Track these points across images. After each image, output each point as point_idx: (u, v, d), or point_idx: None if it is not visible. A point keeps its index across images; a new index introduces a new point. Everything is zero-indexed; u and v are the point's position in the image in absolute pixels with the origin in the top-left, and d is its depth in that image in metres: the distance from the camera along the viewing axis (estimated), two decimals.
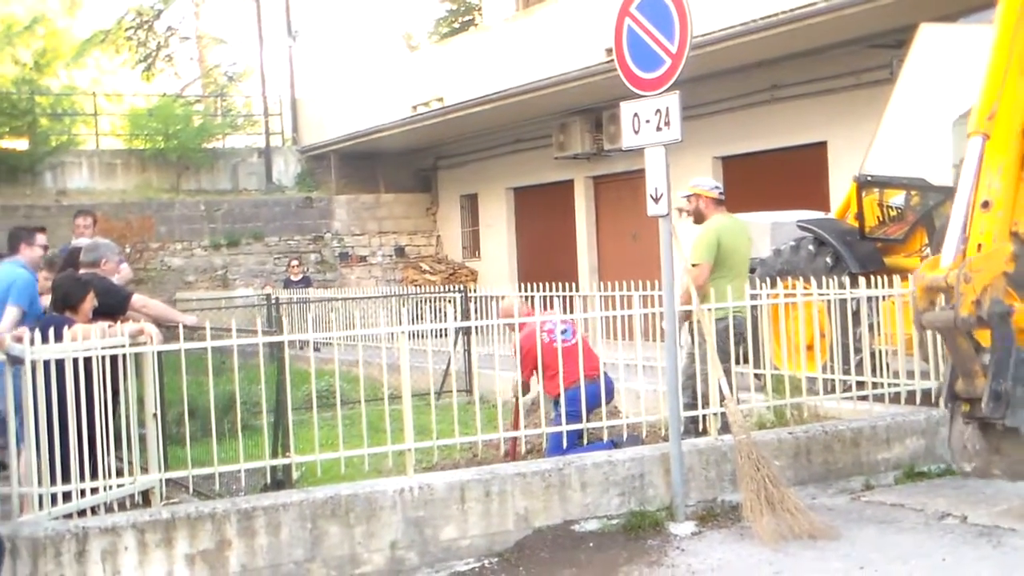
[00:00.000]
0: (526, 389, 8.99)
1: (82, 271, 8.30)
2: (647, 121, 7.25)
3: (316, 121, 25.32)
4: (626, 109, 7.42)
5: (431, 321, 7.72)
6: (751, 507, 6.92)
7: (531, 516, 7.02)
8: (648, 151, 7.29)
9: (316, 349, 9.09)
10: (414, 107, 20.72)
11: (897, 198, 10.15)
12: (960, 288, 5.39)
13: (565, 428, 7.91)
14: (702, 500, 7.42)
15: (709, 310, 7.98)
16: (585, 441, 8.38)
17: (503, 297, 9.96)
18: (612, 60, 7.64)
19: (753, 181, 15.68)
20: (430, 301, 15.06)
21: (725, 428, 7.70)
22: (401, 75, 22.31)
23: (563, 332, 8.59)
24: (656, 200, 7.27)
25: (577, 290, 10.34)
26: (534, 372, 8.54)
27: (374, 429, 7.57)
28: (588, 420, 8.04)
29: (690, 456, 7.44)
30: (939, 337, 7.08)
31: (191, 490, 7.17)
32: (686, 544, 6.79)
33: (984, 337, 5.88)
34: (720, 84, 15.35)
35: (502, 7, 21.83)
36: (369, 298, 17.03)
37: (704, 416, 7.95)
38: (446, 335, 12.47)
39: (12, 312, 7.92)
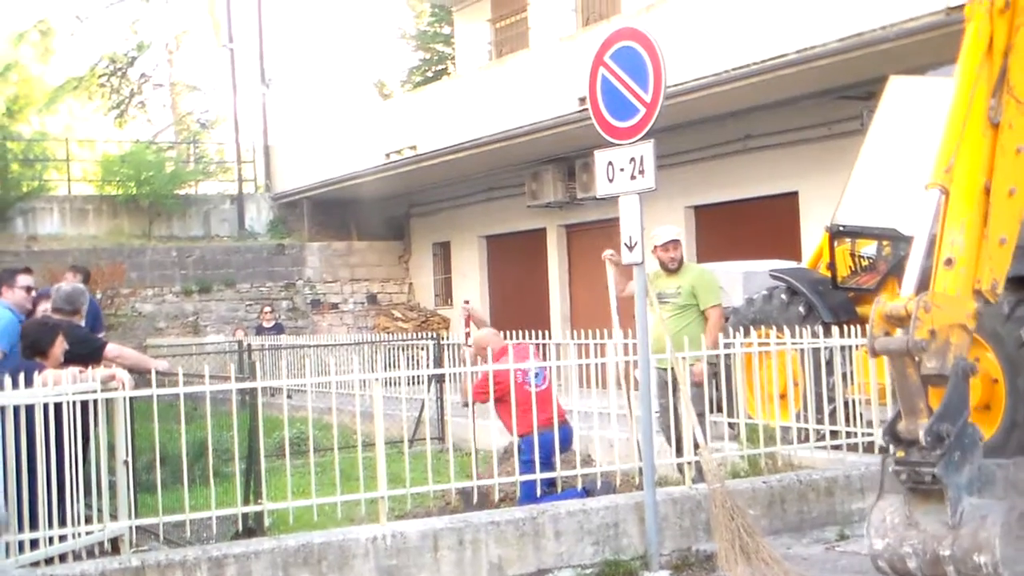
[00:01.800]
0: (467, 403, 8.95)
1: (58, 318, 8.24)
2: (621, 169, 7.28)
3: (289, 168, 25.33)
4: (600, 157, 7.45)
5: (405, 368, 7.66)
6: (726, 556, 6.90)
7: (505, 565, 6.97)
8: (622, 199, 7.32)
9: (288, 396, 9.05)
10: (387, 155, 20.77)
11: (869, 248, 10.22)
12: (918, 314, 5.38)
13: (539, 476, 7.88)
14: (676, 549, 7.39)
15: (683, 357, 8.00)
16: (559, 489, 8.34)
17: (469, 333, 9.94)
18: (585, 109, 7.70)
19: (725, 230, 15.78)
20: (403, 348, 15.02)
21: (700, 476, 7.69)
22: (374, 123, 22.37)
23: (535, 376, 8.58)
24: (631, 248, 7.30)
25: (550, 338, 10.33)
26: (485, 400, 8.43)
27: (347, 477, 7.52)
28: (554, 466, 8.03)
29: (664, 505, 7.42)
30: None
31: (161, 538, 7.08)
32: None
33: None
34: (693, 133, 15.48)
35: (475, 56, 21.99)
36: (341, 345, 16.97)
37: (679, 464, 7.95)
38: (419, 383, 12.43)
39: None
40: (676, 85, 12.03)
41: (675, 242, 9.02)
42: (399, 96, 29.89)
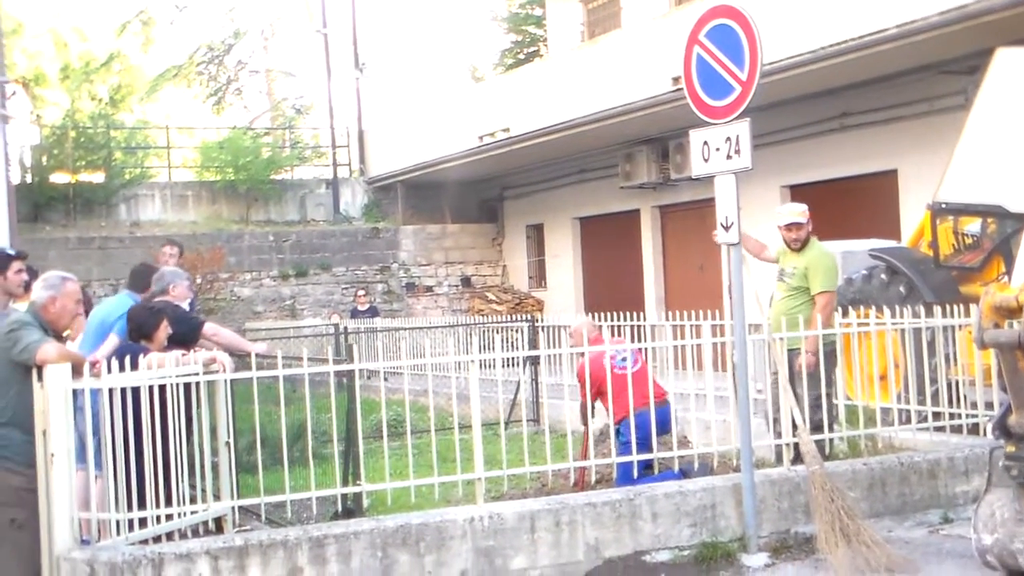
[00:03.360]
0: (590, 413, 8.94)
1: (155, 300, 8.42)
2: (717, 149, 7.21)
3: (383, 152, 25.52)
4: (695, 137, 7.38)
5: (500, 350, 7.68)
6: (826, 539, 6.81)
7: (601, 546, 6.96)
8: (718, 179, 7.25)
9: (384, 379, 9.12)
10: (480, 137, 20.82)
11: (973, 225, 10.00)
12: None
13: (635, 458, 7.84)
14: (775, 531, 7.32)
15: (781, 339, 7.90)
16: (656, 470, 8.31)
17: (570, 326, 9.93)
18: (679, 89, 7.65)
19: (822, 209, 15.48)
20: (498, 330, 15.06)
21: (798, 459, 7.60)
22: (467, 106, 22.44)
23: (623, 360, 8.55)
24: (727, 228, 7.23)
25: (644, 319, 10.28)
26: (597, 397, 8.50)
27: (443, 458, 7.58)
28: (651, 447, 7.99)
29: (762, 487, 7.34)
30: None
31: (263, 518, 7.20)
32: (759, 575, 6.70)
33: None
34: (789, 112, 15.25)
35: (567, 37, 21.91)
36: (436, 328, 17.07)
37: (777, 446, 7.87)
38: (513, 364, 12.47)
39: (113, 341, 8.03)
40: (772, 63, 11.82)
41: (797, 224, 8.78)
42: (491, 79, 29.92)
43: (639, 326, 10.62)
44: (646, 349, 8.66)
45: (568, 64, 19.25)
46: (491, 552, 6.73)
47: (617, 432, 8.28)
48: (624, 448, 8.10)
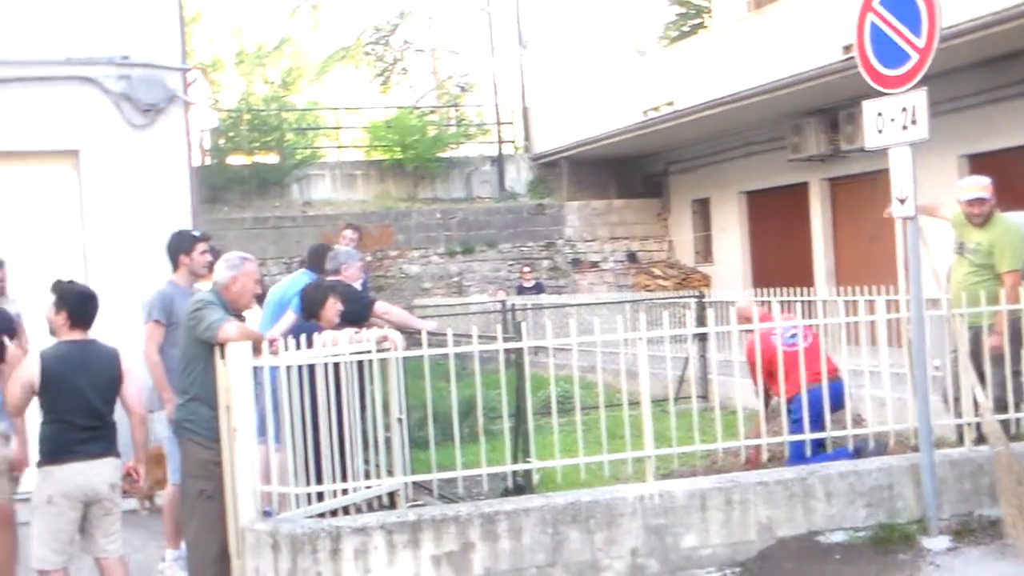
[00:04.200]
0: (766, 395, 8.81)
1: (328, 279, 8.63)
2: (892, 120, 7.01)
3: (547, 128, 25.57)
4: (869, 108, 7.18)
5: (668, 326, 7.61)
6: (1013, 523, 6.59)
7: (774, 525, 6.88)
8: (893, 151, 7.04)
9: (549, 354, 9.16)
10: (644, 112, 20.65)
11: None
12: None
13: (808, 436, 7.68)
14: (956, 514, 7.10)
15: (962, 315, 7.64)
16: (828, 449, 8.13)
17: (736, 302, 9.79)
18: (851, 58, 7.44)
19: (1004, 179, 14.91)
20: (667, 306, 14.95)
21: (980, 440, 7.35)
22: (631, 80, 22.29)
23: (792, 336, 8.39)
24: (902, 201, 7.02)
25: (815, 294, 10.06)
26: (768, 376, 8.37)
27: (611, 435, 7.57)
28: (824, 425, 7.83)
29: (942, 467, 7.13)
30: None
31: (435, 493, 7.32)
32: (941, 560, 6.51)
33: None
34: (967, 78, 14.67)
35: (733, 8, 21.52)
36: (602, 304, 17.05)
37: (958, 426, 7.63)
38: (681, 341, 12.36)
39: (289, 318, 8.29)
40: (949, 28, 11.42)
41: (980, 200, 8.45)
42: (655, 52, 29.64)
43: (809, 301, 10.41)
44: (817, 325, 8.46)
45: (734, 35, 18.92)
46: (661, 530, 6.71)
47: (788, 410, 8.14)
48: (796, 426, 7.95)
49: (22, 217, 10.86)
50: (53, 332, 6.51)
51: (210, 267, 7.60)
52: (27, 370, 6.32)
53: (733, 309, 8.87)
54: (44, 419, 6.37)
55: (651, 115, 20.39)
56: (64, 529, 6.28)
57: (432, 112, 30.87)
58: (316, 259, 9.33)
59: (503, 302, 17.95)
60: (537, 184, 25.53)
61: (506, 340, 7.43)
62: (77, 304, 6.47)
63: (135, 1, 11.18)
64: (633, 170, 24.66)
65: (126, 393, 6.60)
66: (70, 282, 6.58)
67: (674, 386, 11.56)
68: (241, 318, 6.87)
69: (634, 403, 7.43)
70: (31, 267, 9.53)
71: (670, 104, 19.74)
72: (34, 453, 6.49)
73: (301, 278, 9.02)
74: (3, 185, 10.96)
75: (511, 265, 23.37)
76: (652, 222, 24.60)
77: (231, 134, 24.24)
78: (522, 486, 7.57)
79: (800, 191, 19.80)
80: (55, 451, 6.28)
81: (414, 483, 7.33)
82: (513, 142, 26.97)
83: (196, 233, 8.30)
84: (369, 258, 18.97)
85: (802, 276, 17.94)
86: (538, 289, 21.23)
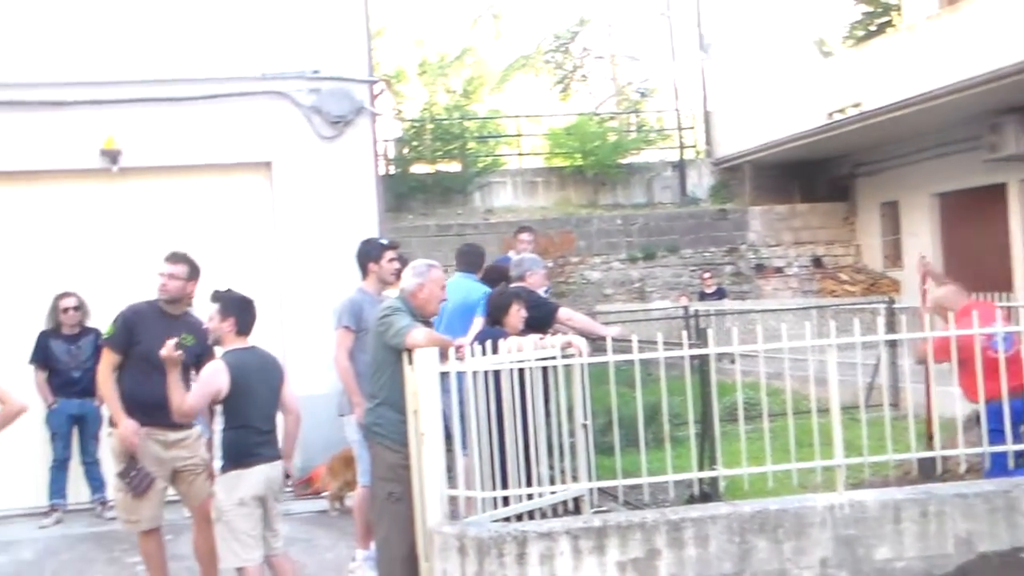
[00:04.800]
0: (920, 360, 8.44)
1: (512, 285, 8.71)
2: None
3: (729, 132, 25.26)
4: None
5: (858, 333, 7.40)
6: None
7: (974, 540, 6.60)
8: None
9: (731, 362, 9.03)
10: (829, 114, 20.19)
11: None
12: None
13: (1012, 448, 7.36)
14: None
15: None
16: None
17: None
18: None
19: None
20: (855, 312, 14.57)
21: None
22: (815, 82, 21.84)
23: (996, 342, 8.02)
24: None
25: (1015, 300, 9.66)
26: (946, 359, 7.98)
27: (799, 443, 7.41)
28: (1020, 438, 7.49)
29: None
30: None
31: (620, 499, 7.30)
32: None
33: None
34: None
35: (924, 5, 20.86)
36: (788, 309, 16.73)
37: None
38: (870, 347, 12.01)
39: (478, 324, 8.42)
40: None
41: None
42: (841, 53, 28.95)
43: (1008, 308, 10.00)
44: (1021, 333, 8.08)
45: (926, 32, 18.32)
46: (852, 541, 6.54)
47: (987, 418, 7.80)
48: (996, 436, 7.62)
49: (218, 227, 11.32)
50: (218, 341, 6.70)
51: (398, 274, 7.76)
52: (216, 377, 6.49)
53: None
54: (227, 425, 6.57)
55: (836, 117, 19.92)
56: (255, 527, 6.49)
57: (612, 118, 30.84)
58: (470, 260, 9.46)
59: (686, 308, 17.79)
60: (719, 189, 25.24)
61: (692, 346, 7.35)
62: (243, 311, 6.68)
63: (325, 17, 11.54)
64: (818, 173, 24.13)
65: (287, 394, 6.80)
66: (228, 290, 6.75)
67: (865, 394, 11.23)
68: (429, 324, 6.99)
69: (822, 410, 7.26)
70: (226, 276, 9.89)
71: (856, 106, 19.24)
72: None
73: (461, 282, 9.12)
74: (201, 196, 11.44)
75: (693, 271, 23.15)
76: (838, 226, 24.01)
77: (414, 143, 24.72)
78: (708, 494, 7.48)
79: (997, 192, 19.06)
80: (242, 455, 6.48)
81: (599, 489, 7.33)
82: (694, 147, 26.73)
83: (384, 241, 8.49)
84: (550, 264, 19.06)
85: (1000, 281, 17.25)
86: (720, 295, 20.98)
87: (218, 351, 6.82)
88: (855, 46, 27.16)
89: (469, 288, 9.18)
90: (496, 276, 9.06)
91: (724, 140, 25.53)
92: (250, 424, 6.52)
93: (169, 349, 6.46)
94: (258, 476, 6.50)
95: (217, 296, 6.68)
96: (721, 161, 25.38)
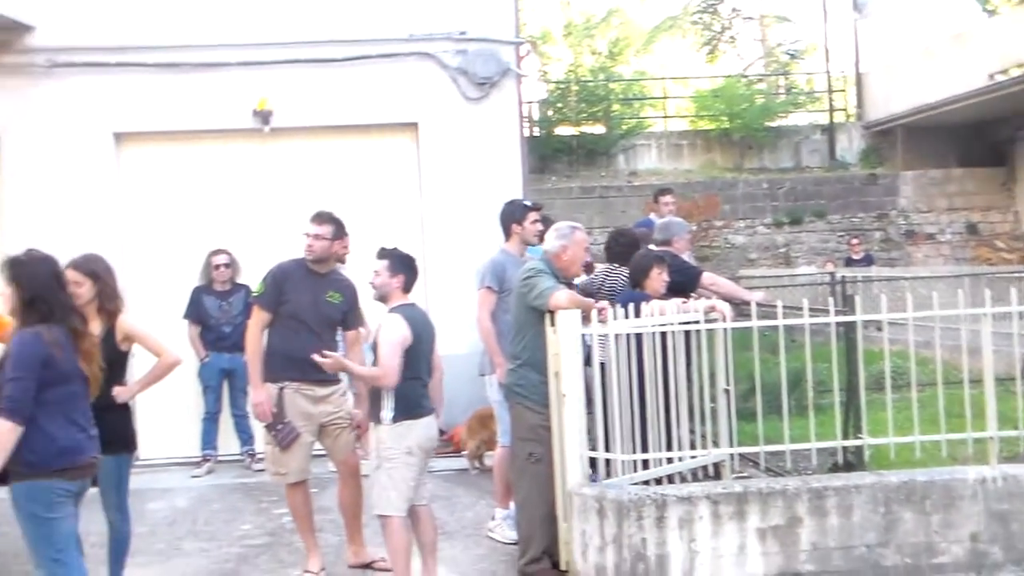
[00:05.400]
0: None
1: (656, 248, 8.64)
2: None
3: (882, 95, 24.55)
4: None
5: (1016, 302, 7.15)
6: None
7: None
8: None
9: (877, 329, 8.80)
10: (990, 75, 19.47)
11: None
12: None
13: None
14: None
15: None
16: None
17: None
18: None
19: None
20: (1012, 281, 14.07)
21: None
22: (976, 42, 21.06)
23: None
24: None
25: None
26: None
27: (948, 414, 7.21)
28: None
29: None
30: None
31: (762, 466, 7.22)
32: None
33: None
34: None
35: None
36: (939, 277, 16.24)
37: None
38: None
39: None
40: None
41: None
42: (1005, 11, 27.84)
43: None
44: None
45: None
46: (1006, 516, 6.36)
47: None
48: None
49: (365, 187, 11.49)
50: (383, 297, 6.64)
51: (541, 236, 7.76)
52: (401, 330, 6.42)
53: None
54: (401, 376, 6.57)
55: (999, 79, 19.19)
56: (416, 478, 6.52)
57: (760, 80, 30.27)
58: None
59: (832, 274, 17.42)
60: (869, 153, 24.59)
61: (839, 313, 7.20)
62: (410, 269, 6.70)
63: None
64: (975, 137, 23.29)
65: (435, 352, 6.82)
66: (395, 248, 6.74)
67: (1021, 364, 10.86)
68: (571, 286, 6.99)
69: (974, 381, 7.05)
70: (371, 235, 10.03)
71: (1020, 66, 18.50)
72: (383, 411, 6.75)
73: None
74: (347, 157, 11.63)
75: (840, 236, 22.64)
76: (995, 192, 23.17)
77: (559, 105, 24.66)
78: (852, 463, 7.34)
79: None
80: (413, 407, 6.47)
81: (739, 455, 7.26)
82: (845, 110, 26.06)
83: (528, 203, 8.49)
84: (694, 228, 18.86)
85: None
86: (868, 261, 20.49)
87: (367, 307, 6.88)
88: (1021, 3, 26.08)
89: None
90: (624, 242, 8.78)
91: (876, 103, 24.82)
92: (419, 376, 6.54)
93: (323, 362, 6.58)
94: (426, 427, 6.53)
95: (385, 253, 6.67)
96: (872, 124, 24.70)
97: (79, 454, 5.39)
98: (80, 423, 5.41)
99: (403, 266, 6.62)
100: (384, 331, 6.44)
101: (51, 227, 10.62)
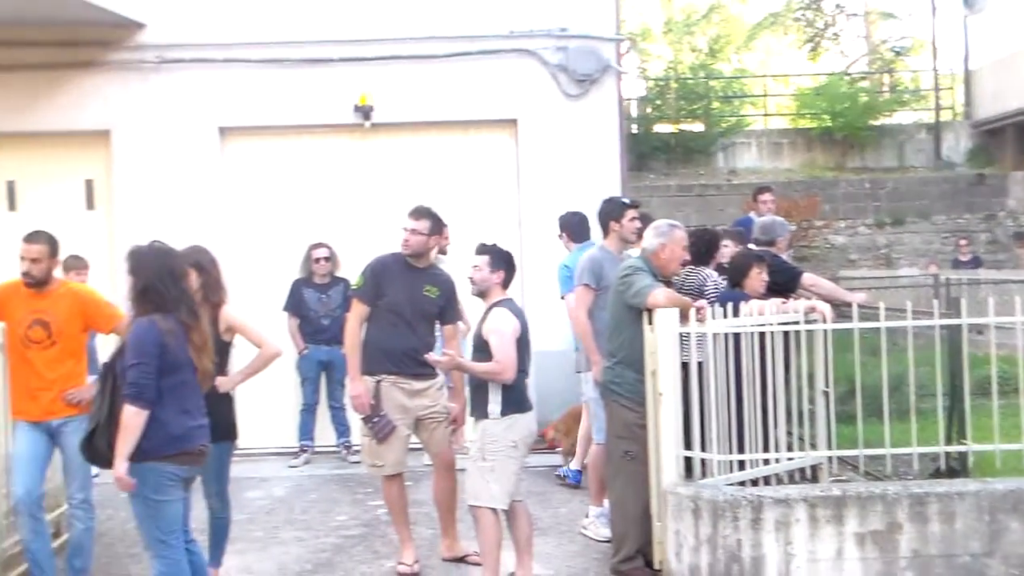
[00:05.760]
0: None
1: (756, 248, 8.55)
2: None
3: (991, 93, 23.96)
4: None
5: None
6: None
7: None
8: None
9: (979, 333, 8.59)
10: None
11: None
12: None
13: None
14: None
15: None
16: None
17: None
18: None
19: None
20: None
21: None
22: None
23: None
24: None
25: None
26: None
27: None
28: None
29: None
30: None
31: (861, 469, 7.11)
32: None
33: None
34: None
35: None
36: None
37: None
38: None
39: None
40: None
41: None
42: None
43: None
44: None
45: None
46: None
47: None
48: None
49: (463, 184, 11.55)
50: (483, 293, 6.65)
51: (639, 234, 7.72)
52: (511, 324, 6.45)
53: None
54: None
55: None
56: (519, 471, 6.55)
57: (864, 78, 29.77)
58: (580, 230, 9.18)
59: (936, 276, 17.08)
60: (977, 153, 24.02)
61: (943, 316, 7.06)
62: (510, 265, 6.72)
63: None
64: None
65: None
66: (495, 244, 6.76)
67: None
68: (670, 284, 6.95)
69: None
70: (470, 231, 10.08)
71: None
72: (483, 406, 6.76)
73: (578, 254, 8.73)
74: (447, 153, 11.70)
75: (945, 238, 22.16)
76: None
77: (658, 103, 24.54)
78: (955, 469, 7.19)
79: None
80: (520, 401, 6.49)
81: (837, 458, 7.15)
82: (952, 108, 25.50)
83: (626, 200, 8.45)
84: (794, 228, 18.61)
85: None
86: (975, 263, 20.03)
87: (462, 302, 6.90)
88: None
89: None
90: (705, 243, 8.63)
91: (985, 101, 24.23)
92: (525, 370, 6.57)
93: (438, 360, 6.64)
94: (528, 422, 6.55)
95: (485, 248, 6.69)
96: (981, 123, 24.13)
97: (190, 441, 5.52)
98: (191, 411, 5.54)
99: (503, 262, 6.64)
100: (496, 325, 6.46)
101: (158, 218, 10.88)
